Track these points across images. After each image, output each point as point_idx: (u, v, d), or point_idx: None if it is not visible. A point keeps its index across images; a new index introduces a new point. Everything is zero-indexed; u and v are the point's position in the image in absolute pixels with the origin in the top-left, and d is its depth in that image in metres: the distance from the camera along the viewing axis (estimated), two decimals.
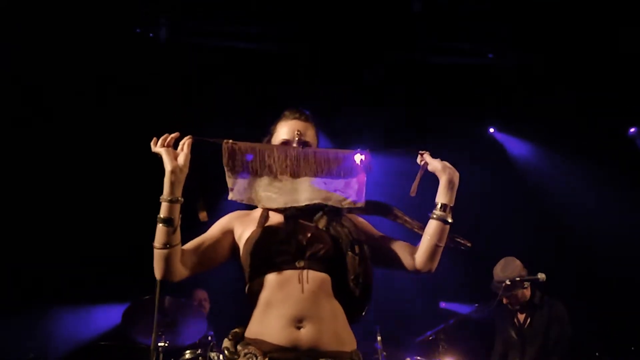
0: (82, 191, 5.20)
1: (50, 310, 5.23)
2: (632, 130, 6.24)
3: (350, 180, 2.03)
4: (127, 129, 4.93)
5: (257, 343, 1.87)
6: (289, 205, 1.99)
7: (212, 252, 2.05)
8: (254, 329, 1.92)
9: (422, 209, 2.08)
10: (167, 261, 1.90)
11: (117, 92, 5.29)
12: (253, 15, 5.31)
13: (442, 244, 2.03)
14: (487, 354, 4.64)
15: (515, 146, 6.61)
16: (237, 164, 1.98)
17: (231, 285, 1.97)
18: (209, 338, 4.38)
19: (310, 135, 2.17)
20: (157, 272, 1.93)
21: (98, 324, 5.32)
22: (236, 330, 1.96)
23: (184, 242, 1.96)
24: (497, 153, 6.56)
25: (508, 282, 4.19)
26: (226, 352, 1.90)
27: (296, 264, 1.93)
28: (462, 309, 5.02)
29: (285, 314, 1.87)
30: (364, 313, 2.03)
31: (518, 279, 4.22)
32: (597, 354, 4.82)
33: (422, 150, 2.10)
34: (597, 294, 5.55)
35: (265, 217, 2.07)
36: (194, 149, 1.94)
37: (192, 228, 2.01)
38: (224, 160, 1.98)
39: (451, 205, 2.03)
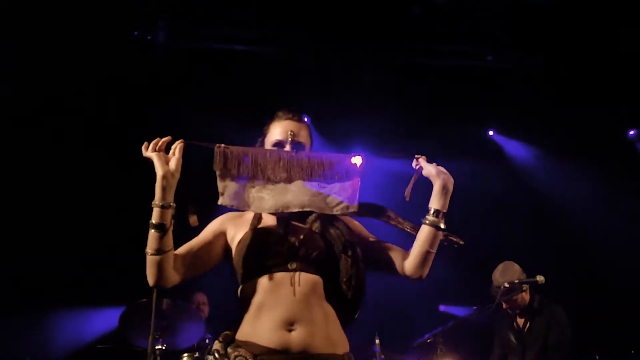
0: (81, 194, 5.18)
1: (47, 313, 5.22)
2: (631, 132, 6.23)
3: (344, 184, 2.01)
4: (126, 130, 4.93)
5: (247, 345, 1.86)
6: (280, 210, 1.96)
7: (205, 255, 2.03)
8: (244, 331, 1.90)
9: (422, 213, 2.07)
10: (160, 267, 1.88)
11: (116, 94, 5.28)
12: (251, 19, 5.30)
13: (434, 251, 2.01)
14: (485, 356, 4.63)
15: (515, 149, 6.59)
16: (228, 169, 1.96)
17: (232, 288, 1.96)
18: (207, 341, 4.38)
19: (304, 135, 2.14)
20: (150, 279, 1.91)
21: (95, 327, 5.31)
22: (227, 332, 1.94)
23: (176, 247, 1.95)
24: (496, 156, 6.54)
25: (507, 285, 4.17)
26: (216, 354, 1.88)
27: (288, 266, 1.92)
28: (462, 312, 5.01)
29: (276, 317, 1.86)
30: (356, 315, 2.01)
31: (517, 281, 4.20)
32: (597, 357, 4.80)
33: (419, 154, 2.09)
34: (597, 297, 5.54)
35: (257, 218, 2.06)
36: (185, 153, 1.92)
37: (186, 233, 2.00)
38: (216, 165, 1.95)
39: (444, 211, 2.01)
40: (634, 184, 5.77)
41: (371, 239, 2.14)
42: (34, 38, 4.82)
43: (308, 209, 1.97)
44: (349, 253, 1.97)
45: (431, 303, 5.48)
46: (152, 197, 1.88)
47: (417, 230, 2.04)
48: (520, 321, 4.45)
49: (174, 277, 1.93)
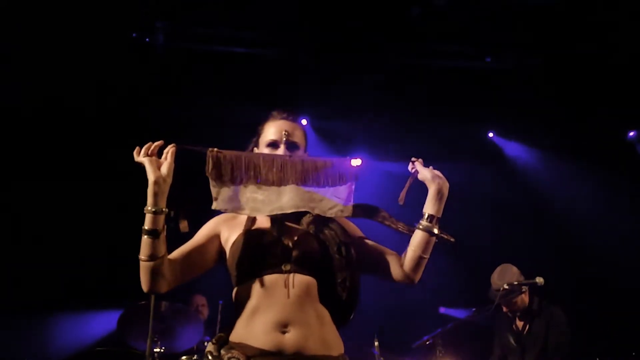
0: (80, 196, 5.18)
1: (46, 316, 5.21)
2: (631, 133, 6.22)
3: (338, 187, 2.01)
4: (125, 131, 4.92)
5: (241, 347, 1.85)
6: (274, 213, 1.95)
7: (199, 258, 2.01)
8: (238, 333, 1.89)
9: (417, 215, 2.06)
10: (154, 273, 1.86)
11: (115, 95, 5.27)
12: (250, 19, 5.29)
13: (427, 256, 2.00)
14: (485, 358, 4.62)
15: (515, 150, 6.58)
16: (221, 173, 1.94)
17: (231, 290, 1.95)
18: (205, 344, 4.35)
19: (298, 135, 2.13)
20: (144, 285, 1.89)
21: (94, 329, 5.30)
22: (221, 334, 1.93)
23: (170, 251, 1.92)
24: (496, 157, 6.53)
25: (506, 287, 4.16)
26: (209, 356, 1.87)
27: (282, 267, 1.90)
28: (462, 314, 4.99)
29: (270, 319, 1.85)
30: (351, 317, 1.99)
31: (516, 283, 4.19)
32: (597, 358, 4.78)
33: (415, 158, 2.08)
34: (597, 297, 5.52)
35: (251, 220, 2.05)
36: (178, 158, 1.90)
37: (179, 237, 1.98)
38: (208, 169, 1.94)
39: (438, 216, 2.00)
40: (634, 184, 5.76)
41: (366, 241, 2.12)
42: (33, 40, 4.81)
43: (302, 210, 1.96)
44: (344, 254, 1.96)
45: (431, 305, 5.47)
46: None
47: (410, 231, 2.03)
48: (520, 323, 4.44)
49: (168, 282, 1.91)
